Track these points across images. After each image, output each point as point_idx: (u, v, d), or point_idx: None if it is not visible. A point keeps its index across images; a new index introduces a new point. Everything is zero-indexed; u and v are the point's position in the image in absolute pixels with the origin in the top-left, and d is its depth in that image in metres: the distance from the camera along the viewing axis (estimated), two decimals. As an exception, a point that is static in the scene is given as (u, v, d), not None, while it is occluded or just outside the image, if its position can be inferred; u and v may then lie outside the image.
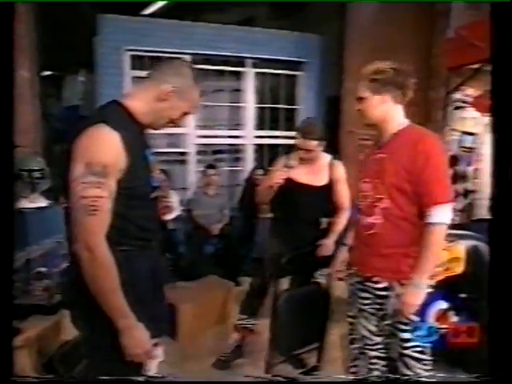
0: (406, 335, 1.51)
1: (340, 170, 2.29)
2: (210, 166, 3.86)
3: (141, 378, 1.33)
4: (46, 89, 6.04)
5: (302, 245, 2.21)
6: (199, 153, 4.40)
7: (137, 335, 1.18)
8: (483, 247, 2.25)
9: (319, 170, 2.25)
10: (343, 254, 1.81)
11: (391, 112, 1.53)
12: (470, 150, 4.16)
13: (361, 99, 1.54)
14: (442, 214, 1.43)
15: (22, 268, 2.15)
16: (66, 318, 2.03)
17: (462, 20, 3.68)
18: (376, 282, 1.55)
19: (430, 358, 1.53)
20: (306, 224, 2.24)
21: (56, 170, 3.05)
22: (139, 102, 1.24)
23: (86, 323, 1.25)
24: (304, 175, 2.22)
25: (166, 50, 3.96)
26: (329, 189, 2.26)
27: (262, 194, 2.30)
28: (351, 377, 1.76)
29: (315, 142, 2.15)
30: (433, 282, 1.54)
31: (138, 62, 4.03)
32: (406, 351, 1.52)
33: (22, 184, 2.44)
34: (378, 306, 1.58)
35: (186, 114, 1.30)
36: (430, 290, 1.50)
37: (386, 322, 1.57)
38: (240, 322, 2.36)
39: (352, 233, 1.75)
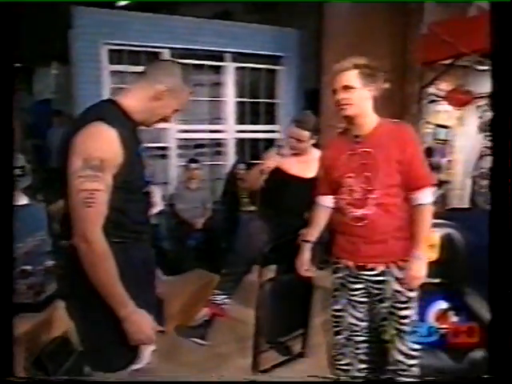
0: (404, 312, 1.65)
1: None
2: (192, 161, 3.88)
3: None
4: (19, 82, 5.87)
5: (287, 235, 2.25)
6: (180, 147, 4.39)
7: (139, 321, 1.23)
8: (456, 235, 2.38)
9: (309, 162, 2.29)
10: (307, 252, 1.87)
11: (370, 107, 1.61)
12: (444, 142, 4.35)
13: (347, 88, 1.55)
14: (430, 195, 1.62)
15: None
16: (54, 315, 2.05)
17: (435, 16, 3.81)
18: (371, 269, 1.65)
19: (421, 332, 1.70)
20: (292, 214, 2.30)
21: (31, 166, 3.02)
22: (134, 101, 1.30)
23: (84, 314, 1.29)
24: (294, 166, 2.29)
25: (145, 43, 3.93)
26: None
27: (251, 180, 2.36)
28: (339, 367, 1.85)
29: (307, 133, 2.22)
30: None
31: (115, 55, 3.96)
32: (403, 327, 1.66)
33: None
34: (375, 292, 1.68)
35: (176, 111, 1.37)
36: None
37: (384, 305, 1.68)
38: (213, 298, 2.38)
39: (324, 229, 1.86)
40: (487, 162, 3.98)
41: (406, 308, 1.65)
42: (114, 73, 3.94)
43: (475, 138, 4.16)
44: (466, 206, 4.18)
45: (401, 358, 1.69)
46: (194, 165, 3.82)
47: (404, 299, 1.64)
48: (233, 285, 2.39)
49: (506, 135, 1.19)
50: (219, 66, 4.41)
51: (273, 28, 4.38)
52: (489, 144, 3.80)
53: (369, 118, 1.62)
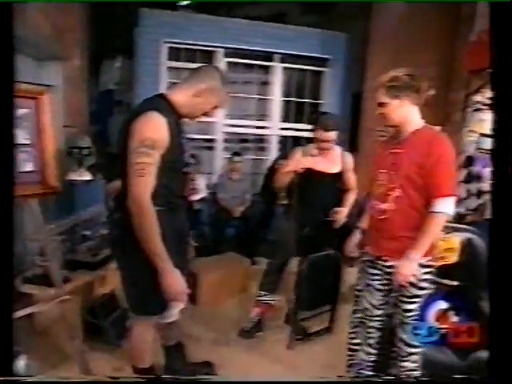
0: (407, 306, 1.77)
1: (350, 160, 2.56)
2: (236, 154, 4.15)
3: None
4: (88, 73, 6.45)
5: (316, 226, 2.47)
6: (226, 140, 4.68)
7: (174, 276, 1.51)
8: (477, 240, 2.45)
9: (333, 159, 2.50)
10: (356, 236, 2.04)
11: (409, 114, 1.71)
12: (488, 151, 4.27)
13: (381, 104, 1.72)
14: (446, 206, 1.64)
15: (70, 231, 2.52)
16: (106, 274, 2.41)
17: (486, 25, 3.78)
18: (385, 261, 1.80)
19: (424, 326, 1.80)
20: (320, 208, 2.48)
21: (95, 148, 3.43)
22: (180, 97, 1.59)
23: (130, 267, 1.60)
24: (320, 163, 2.45)
25: (201, 43, 4.25)
26: (340, 176, 2.53)
27: (281, 178, 2.51)
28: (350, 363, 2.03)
29: (333, 134, 2.41)
30: (424, 261, 1.73)
31: (174, 53, 4.32)
32: (406, 320, 1.79)
33: (71, 159, 2.81)
34: (385, 282, 1.83)
35: (216, 107, 1.65)
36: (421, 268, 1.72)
37: (392, 295, 1.83)
38: (260, 298, 2.59)
39: (366, 218, 1.97)
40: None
41: (410, 303, 1.76)
42: (171, 69, 4.31)
43: (521, 149, 4.05)
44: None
45: (401, 345, 1.84)
46: (237, 158, 4.08)
47: (409, 294, 1.75)
48: (275, 282, 2.59)
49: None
50: (268, 66, 4.64)
51: (321, 31, 4.53)
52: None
53: (409, 124, 1.72)
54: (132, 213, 1.45)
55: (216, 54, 4.36)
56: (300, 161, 2.39)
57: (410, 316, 1.78)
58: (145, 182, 1.45)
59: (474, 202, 4.21)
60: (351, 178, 2.57)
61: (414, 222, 1.72)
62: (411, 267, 1.68)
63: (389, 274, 1.80)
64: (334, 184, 2.48)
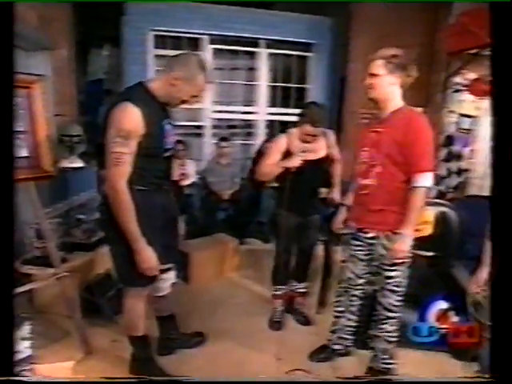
0: (389, 273, 1.91)
1: (332, 137, 2.51)
2: (224, 139, 4.24)
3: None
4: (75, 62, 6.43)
5: (305, 210, 2.49)
6: (214, 127, 4.75)
7: (145, 254, 1.64)
8: (450, 213, 2.61)
9: (319, 145, 2.43)
10: (342, 214, 2.18)
11: (393, 93, 1.81)
12: (468, 131, 4.42)
13: (374, 75, 1.79)
14: (425, 180, 1.75)
15: (65, 215, 2.63)
16: (101, 255, 2.54)
17: (465, 6, 3.88)
18: (366, 233, 1.95)
19: (402, 290, 1.93)
20: (309, 192, 2.49)
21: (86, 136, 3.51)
22: (158, 85, 1.66)
23: (116, 245, 1.74)
24: (308, 154, 2.36)
25: (187, 30, 4.30)
26: (327, 158, 2.50)
27: (262, 173, 2.46)
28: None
29: (320, 129, 2.32)
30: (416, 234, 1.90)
31: (160, 41, 4.36)
32: (387, 286, 1.93)
33: (63, 147, 2.90)
34: (367, 252, 1.97)
35: (195, 96, 1.69)
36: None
37: (374, 263, 1.97)
38: (275, 293, 2.64)
39: (351, 196, 2.11)
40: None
41: (390, 270, 1.89)
42: (158, 57, 4.35)
43: (500, 128, 4.20)
44: (485, 194, 4.27)
45: (380, 309, 1.98)
46: (224, 143, 4.18)
47: (388, 262, 1.88)
48: (283, 273, 2.61)
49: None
50: (254, 52, 4.70)
51: (305, 16, 4.57)
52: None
53: (391, 103, 1.81)
54: (109, 197, 1.59)
55: (202, 41, 4.42)
56: (296, 157, 2.30)
57: (391, 282, 1.91)
58: (120, 170, 1.56)
59: (454, 180, 4.38)
60: (335, 152, 2.53)
61: (394, 196, 1.85)
62: (407, 242, 1.81)
63: (370, 244, 1.94)
64: (321, 166, 2.47)
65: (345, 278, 2.10)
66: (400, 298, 1.95)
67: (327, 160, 2.50)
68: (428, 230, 2.57)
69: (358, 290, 2.09)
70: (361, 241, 1.98)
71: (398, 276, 1.90)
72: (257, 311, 2.75)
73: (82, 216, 2.61)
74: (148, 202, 1.66)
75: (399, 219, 1.81)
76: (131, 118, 1.54)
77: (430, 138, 1.78)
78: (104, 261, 2.57)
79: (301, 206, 2.46)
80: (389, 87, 1.79)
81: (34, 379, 1.49)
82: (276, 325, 2.59)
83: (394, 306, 1.95)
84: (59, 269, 2.02)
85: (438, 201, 2.76)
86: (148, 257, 1.65)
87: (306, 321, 2.65)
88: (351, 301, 2.12)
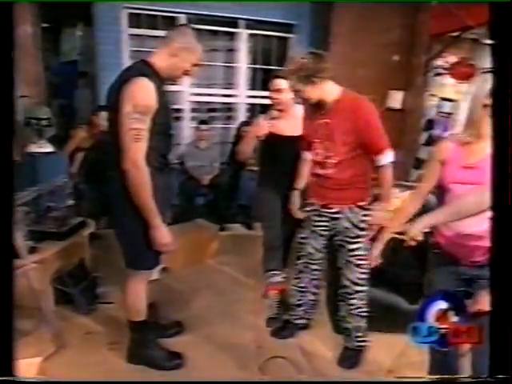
0: (351, 246, 1.98)
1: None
2: (202, 122, 4.14)
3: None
4: (46, 42, 6.14)
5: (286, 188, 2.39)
6: (193, 110, 4.62)
7: (163, 230, 1.68)
8: (431, 198, 2.60)
9: (294, 120, 2.35)
10: (296, 198, 2.29)
11: (324, 90, 1.83)
12: (448, 115, 4.44)
13: (297, 92, 1.86)
14: (387, 157, 1.88)
15: (34, 202, 2.49)
16: (74, 244, 2.43)
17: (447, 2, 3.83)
18: (330, 208, 2.01)
19: (367, 263, 1.96)
20: (289, 172, 2.35)
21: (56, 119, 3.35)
22: (159, 60, 1.66)
23: (124, 224, 1.72)
24: (282, 127, 2.38)
25: (162, 8, 4.12)
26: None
27: (244, 147, 2.49)
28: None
29: (282, 81, 2.26)
30: (362, 204, 1.97)
31: (134, 19, 4.16)
32: (351, 258, 2.00)
33: (30, 131, 2.74)
34: (329, 227, 2.03)
35: (195, 65, 1.72)
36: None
37: (337, 238, 2.03)
38: (271, 280, 2.56)
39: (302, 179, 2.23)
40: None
41: (354, 243, 1.98)
42: (133, 36, 4.16)
43: (479, 112, 4.22)
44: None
45: (347, 283, 2.04)
46: (203, 126, 4.08)
47: (352, 235, 1.97)
48: (277, 257, 2.54)
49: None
50: (233, 33, 4.56)
51: (286, -4, 4.46)
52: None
53: (327, 97, 1.84)
54: (129, 174, 1.56)
55: (178, 21, 4.23)
56: (261, 126, 2.37)
57: (355, 255, 1.99)
58: (140, 146, 1.56)
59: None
60: None
61: (354, 175, 1.94)
62: (382, 215, 1.96)
63: (334, 219, 2.01)
64: (297, 146, 2.34)
65: (305, 254, 2.17)
66: (365, 272, 2.01)
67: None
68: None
69: (318, 264, 2.17)
70: (324, 216, 2.04)
71: (361, 248, 1.97)
72: (236, 298, 2.71)
73: (52, 203, 2.48)
74: (152, 182, 1.62)
75: (362, 193, 1.97)
76: (148, 92, 1.55)
77: (378, 119, 1.87)
78: (77, 250, 2.49)
79: (281, 184, 2.42)
80: (314, 92, 1.82)
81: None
82: (271, 322, 2.41)
83: (360, 279, 2.02)
84: (26, 260, 1.91)
85: (416, 184, 2.74)
86: (165, 232, 1.68)
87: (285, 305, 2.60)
88: (313, 275, 2.19)
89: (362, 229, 1.96)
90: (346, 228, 1.98)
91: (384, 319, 2.23)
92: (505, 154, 1.16)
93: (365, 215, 1.97)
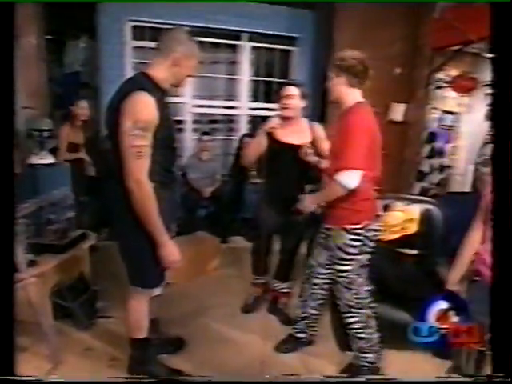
0: (338, 267, 1.94)
1: (320, 129, 2.45)
2: (205, 133, 4.13)
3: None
4: (50, 54, 6.19)
5: (286, 204, 2.35)
6: (195, 122, 4.62)
7: (171, 247, 1.63)
8: (435, 211, 2.58)
9: (300, 130, 2.40)
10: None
11: (344, 92, 1.83)
12: (450, 128, 4.43)
13: (326, 79, 1.90)
14: (345, 177, 1.74)
15: (34, 214, 2.46)
16: (74, 257, 2.40)
17: (447, 2, 3.86)
18: (325, 224, 2.02)
19: (357, 288, 1.94)
20: (290, 185, 2.39)
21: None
22: (159, 72, 1.61)
23: (130, 242, 1.67)
24: (287, 135, 2.37)
25: (166, 21, 4.14)
26: (312, 147, 2.38)
27: (248, 154, 2.49)
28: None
29: (296, 88, 2.34)
30: (350, 228, 1.88)
31: (138, 32, 4.20)
32: (339, 279, 1.97)
33: (32, 142, 2.72)
34: (327, 244, 2.01)
35: (194, 69, 1.69)
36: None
37: (329, 253, 2.00)
38: (255, 282, 2.72)
39: None
40: (490, 150, 4.06)
41: (339, 264, 1.93)
42: (136, 48, 4.19)
43: (481, 125, 4.21)
44: (467, 190, 4.29)
45: (340, 303, 2.01)
46: (205, 137, 4.07)
47: (338, 256, 1.92)
48: (264, 264, 2.67)
49: (507, 124, 1.19)
50: (236, 45, 4.59)
51: (288, 9, 4.47)
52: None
53: (344, 102, 1.85)
54: (132, 192, 1.51)
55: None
56: (264, 129, 2.36)
57: (341, 277, 1.95)
58: (142, 163, 1.51)
59: (436, 177, 4.39)
60: (324, 147, 2.39)
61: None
62: (309, 202, 2.00)
63: (328, 236, 1.98)
64: (299, 156, 2.32)
65: (308, 266, 2.17)
66: (357, 296, 1.95)
67: (312, 148, 2.39)
68: (413, 228, 2.53)
69: (319, 278, 2.13)
70: (323, 232, 2.05)
71: (348, 271, 1.92)
72: (238, 312, 2.67)
73: (52, 216, 2.45)
74: (158, 197, 1.58)
75: (349, 214, 1.86)
76: (148, 108, 1.49)
77: (360, 133, 1.74)
78: (77, 263, 2.45)
79: (281, 199, 2.40)
80: (337, 88, 1.84)
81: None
82: (247, 307, 2.68)
83: (353, 301, 1.97)
84: (25, 273, 1.88)
85: (422, 198, 2.72)
86: (173, 249, 1.64)
87: (289, 321, 2.56)
88: (313, 289, 2.16)
89: (348, 253, 1.89)
90: (332, 248, 1.95)
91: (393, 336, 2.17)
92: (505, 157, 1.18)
93: (353, 240, 1.87)
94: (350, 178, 1.74)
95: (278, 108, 2.41)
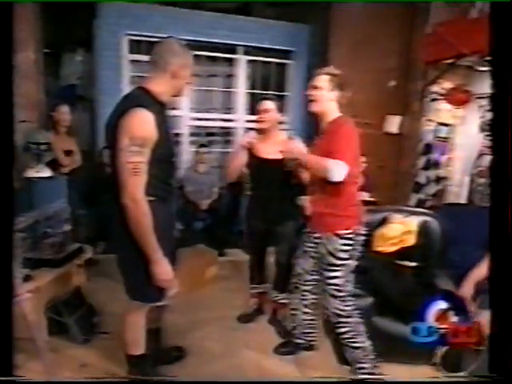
0: (328, 274, 1.96)
1: (299, 143, 2.38)
2: (202, 145, 4.14)
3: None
4: (47, 67, 6.21)
5: (276, 215, 2.44)
6: (192, 134, 4.64)
7: (164, 266, 1.59)
8: (433, 223, 2.58)
9: (278, 145, 2.30)
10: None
11: (331, 107, 1.94)
12: (445, 139, 4.47)
13: (317, 88, 1.93)
14: (336, 166, 1.77)
15: (31, 227, 2.44)
16: (71, 271, 2.36)
17: (440, 17, 3.94)
18: (314, 232, 2.06)
19: (344, 295, 1.95)
20: (276, 197, 2.42)
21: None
22: (158, 85, 1.60)
23: (127, 257, 1.66)
24: (265, 150, 2.39)
25: (163, 35, 4.17)
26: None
27: (230, 170, 2.53)
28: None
29: (272, 103, 2.39)
30: (343, 233, 1.91)
31: (135, 45, 4.23)
32: (327, 287, 1.98)
33: (29, 155, 2.71)
34: (315, 251, 2.06)
35: (191, 77, 1.70)
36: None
37: (319, 263, 2.03)
38: (252, 291, 2.75)
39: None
40: (486, 161, 4.09)
41: (329, 270, 1.95)
42: (133, 62, 4.22)
43: (475, 136, 4.26)
44: (463, 202, 4.31)
45: (329, 313, 2.01)
46: (202, 149, 4.08)
47: (328, 262, 1.94)
48: (261, 274, 2.71)
49: (505, 135, 1.20)
50: (232, 59, 4.63)
51: (284, 23, 4.54)
52: (488, 143, 3.90)
53: (328, 116, 1.95)
54: (127, 209, 1.50)
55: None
56: (241, 144, 2.43)
57: (331, 284, 1.95)
58: (138, 180, 1.50)
59: (433, 188, 4.41)
60: (302, 159, 2.29)
61: (330, 199, 1.93)
62: (296, 148, 2.07)
63: (317, 243, 2.03)
64: (283, 168, 2.29)
65: (295, 274, 2.20)
66: (345, 304, 1.96)
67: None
68: (412, 240, 2.53)
69: (308, 285, 2.16)
70: (310, 238, 2.09)
71: (338, 277, 1.93)
72: (235, 326, 2.64)
73: (49, 229, 2.42)
74: (155, 213, 1.56)
75: (342, 221, 1.91)
76: (146, 124, 1.49)
77: (351, 138, 1.84)
78: (74, 277, 2.42)
79: (268, 211, 2.45)
80: (328, 102, 1.93)
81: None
82: (244, 318, 2.71)
83: (341, 310, 1.96)
84: (20, 288, 1.85)
85: (420, 210, 2.73)
86: (166, 268, 1.61)
87: (286, 334, 2.54)
88: (303, 295, 2.19)
89: (339, 258, 1.92)
90: (323, 254, 1.97)
91: (391, 349, 2.16)
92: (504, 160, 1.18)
93: (344, 244, 1.91)
94: (339, 169, 1.77)
95: (254, 122, 2.49)
